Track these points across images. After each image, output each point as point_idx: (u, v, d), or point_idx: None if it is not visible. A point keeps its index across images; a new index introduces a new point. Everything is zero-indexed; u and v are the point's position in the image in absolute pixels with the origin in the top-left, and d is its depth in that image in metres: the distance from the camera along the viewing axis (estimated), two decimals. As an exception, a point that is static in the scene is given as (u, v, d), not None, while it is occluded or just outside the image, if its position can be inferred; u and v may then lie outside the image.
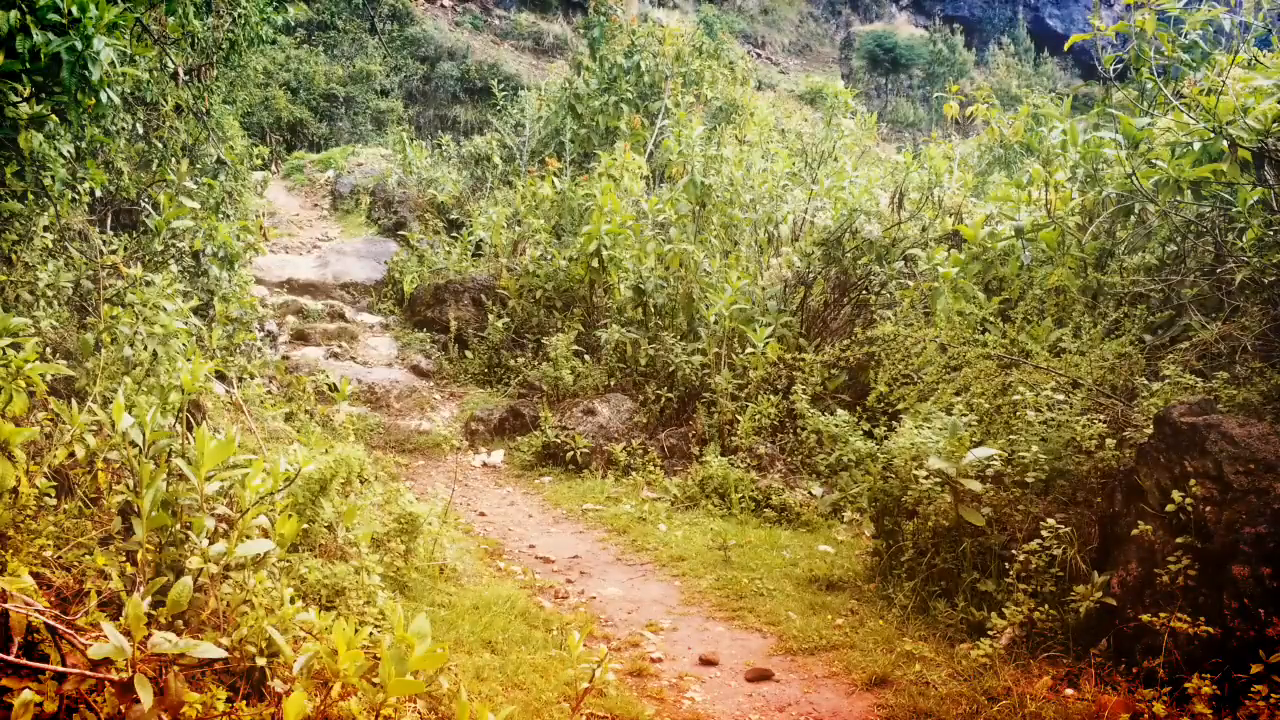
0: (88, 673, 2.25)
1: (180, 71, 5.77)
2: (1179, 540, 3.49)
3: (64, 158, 4.31)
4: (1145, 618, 3.43)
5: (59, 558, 2.94)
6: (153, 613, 2.47)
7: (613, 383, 8.45)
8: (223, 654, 2.33)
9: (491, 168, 14.68)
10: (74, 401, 3.42)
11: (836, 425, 6.82)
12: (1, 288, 4.22)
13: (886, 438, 5.81)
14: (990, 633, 3.92)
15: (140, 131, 5.91)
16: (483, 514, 6.65)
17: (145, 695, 2.16)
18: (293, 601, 2.86)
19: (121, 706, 2.20)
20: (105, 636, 2.19)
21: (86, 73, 3.64)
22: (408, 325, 11.01)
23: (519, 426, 8.38)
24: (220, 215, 6.80)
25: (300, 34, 22.20)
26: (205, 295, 6.48)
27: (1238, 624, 3.23)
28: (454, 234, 13.18)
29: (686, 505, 6.72)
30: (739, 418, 7.38)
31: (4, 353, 3.28)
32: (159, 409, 3.23)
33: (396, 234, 13.61)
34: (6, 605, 2.29)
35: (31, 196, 4.30)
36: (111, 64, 3.71)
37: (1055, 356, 5.33)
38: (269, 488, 3.12)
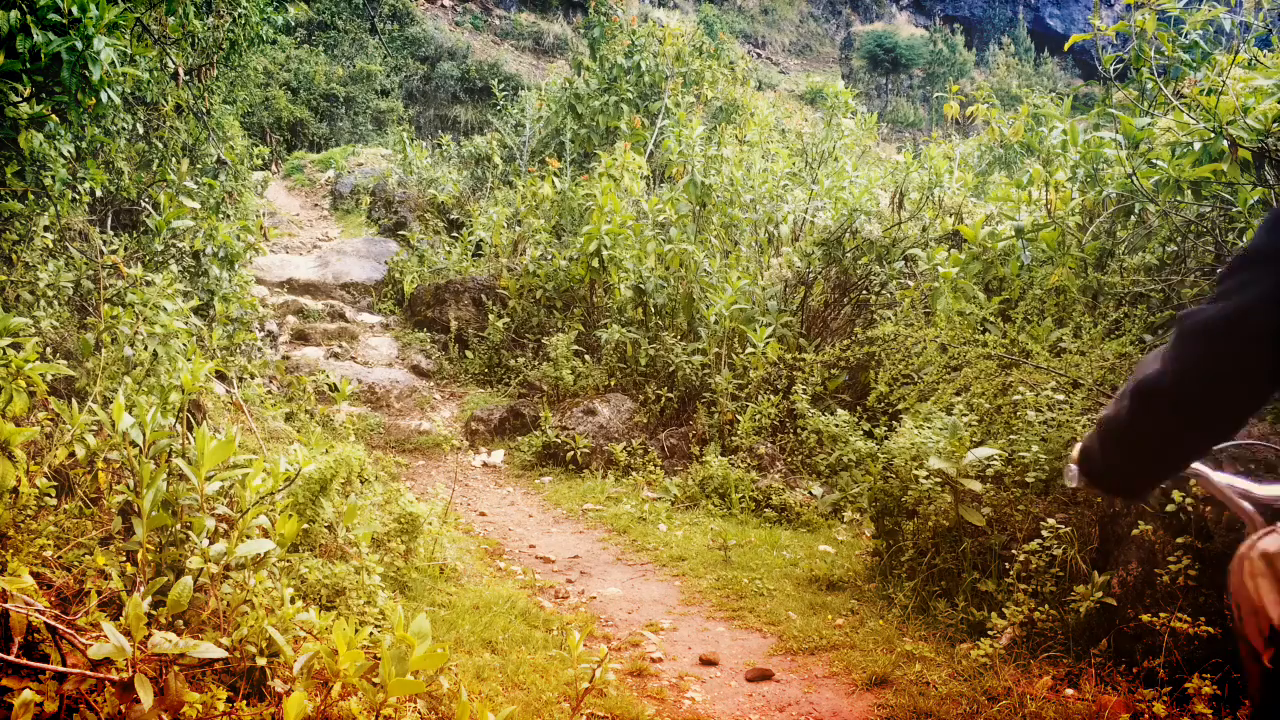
0: (88, 673, 2.25)
1: (180, 71, 5.77)
2: (1179, 540, 3.49)
3: (64, 158, 4.31)
4: (1145, 618, 3.43)
5: (59, 558, 2.94)
6: (153, 613, 2.47)
7: (613, 383, 8.45)
8: (223, 654, 2.32)
9: (491, 168, 14.69)
10: (74, 401, 3.42)
11: (837, 425, 6.82)
12: (2, 288, 4.22)
13: (886, 438, 5.81)
14: (990, 633, 3.92)
15: (140, 131, 5.91)
16: (483, 514, 6.65)
17: (145, 695, 2.16)
18: (293, 601, 2.86)
19: (122, 706, 2.20)
20: (105, 636, 2.19)
21: (87, 73, 3.64)
22: (408, 325, 11.02)
23: (519, 426, 8.38)
24: (220, 215, 6.80)
25: (300, 34, 22.21)
26: (205, 295, 6.48)
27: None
28: (454, 234, 13.19)
29: (687, 505, 6.72)
30: (739, 418, 7.38)
31: (4, 353, 3.28)
32: (159, 409, 3.23)
33: (396, 234, 13.62)
34: (7, 605, 2.29)
35: (32, 196, 4.30)
36: (112, 64, 3.71)
37: (1055, 356, 5.33)
38: (269, 488, 3.12)
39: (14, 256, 4.37)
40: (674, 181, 10.02)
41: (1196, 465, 1.63)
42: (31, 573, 2.63)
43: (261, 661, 2.63)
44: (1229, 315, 1.27)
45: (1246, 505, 1.51)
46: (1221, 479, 1.61)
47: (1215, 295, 1.31)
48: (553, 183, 11.17)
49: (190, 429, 3.84)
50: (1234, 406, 1.31)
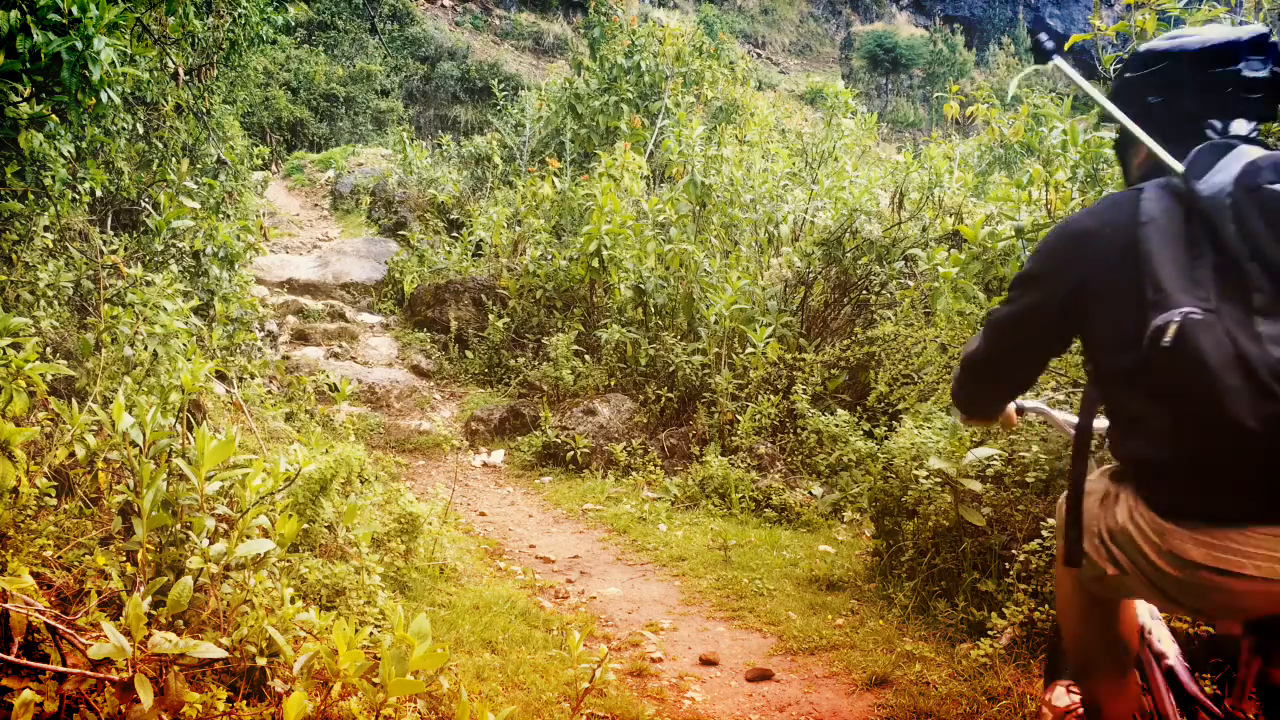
0: (88, 673, 2.25)
1: (180, 71, 5.77)
2: (1179, 540, 3.47)
3: (64, 158, 4.30)
4: (1145, 618, 3.43)
5: (59, 558, 2.94)
6: (153, 613, 2.47)
7: (613, 383, 8.45)
8: (223, 654, 2.32)
9: (491, 168, 14.69)
10: (74, 401, 3.42)
11: (836, 425, 6.83)
12: (2, 288, 4.22)
13: (886, 438, 5.81)
14: (990, 633, 3.92)
15: (140, 131, 5.91)
16: (483, 514, 6.65)
17: (145, 695, 2.16)
18: (293, 601, 2.86)
19: (122, 706, 2.20)
20: (105, 636, 2.19)
21: (87, 73, 3.64)
22: (408, 325, 11.02)
23: (519, 426, 8.38)
24: (220, 215, 6.80)
25: (300, 34, 22.21)
26: (205, 295, 6.48)
27: (1238, 624, 3.22)
28: (454, 234, 13.19)
29: (687, 505, 6.72)
30: (739, 418, 7.38)
31: (4, 353, 3.28)
32: (159, 409, 3.23)
33: (396, 234, 13.62)
34: (7, 605, 2.29)
35: (32, 196, 4.30)
36: (112, 64, 3.71)
37: (1055, 356, 5.32)
38: (269, 488, 3.12)
39: (14, 256, 4.37)
40: (674, 181, 10.02)
41: (1042, 406, 2.56)
42: (31, 573, 2.63)
43: (261, 661, 2.63)
44: (1008, 317, 2.06)
45: (1071, 430, 2.29)
46: (1058, 414, 2.53)
47: (1004, 302, 2.08)
48: (553, 183, 11.17)
49: (190, 429, 3.84)
50: (1021, 372, 2.16)
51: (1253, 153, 1.74)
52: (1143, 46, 2.04)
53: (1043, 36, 2.18)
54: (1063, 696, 2.52)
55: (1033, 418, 2.60)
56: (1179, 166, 1.77)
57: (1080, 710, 2.36)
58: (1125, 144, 2.09)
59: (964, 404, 2.31)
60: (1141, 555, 1.83)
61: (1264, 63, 1.89)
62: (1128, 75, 2.05)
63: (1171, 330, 1.59)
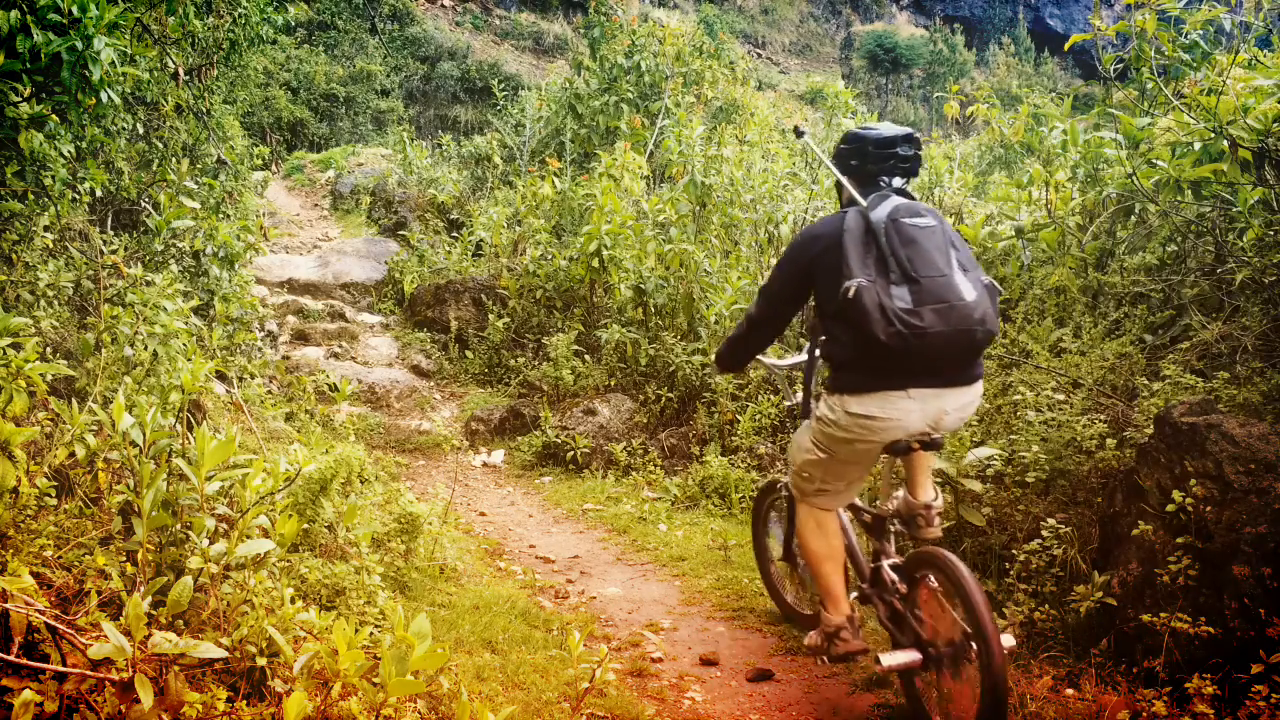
0: (88, 673, 2.25)
1: (180, 71, 5.77)
2: (1179, 540, 3.49)
3: (64, 158, 4.30)
4: (1146, 618, 3.43)
5: (59, 558, 2.94)
6: (153, 613, 2.46)
7: (613, 383, 8.45)
8: (223, 654, 2.32)
9: (492, 168, 14.69)
10: (74, 401, 3.41)
11: (837, 425, 6.81)
12: (2, 288, 4.22)
13: (887, 438, 5.78)
14: (990, 633, 3.92)
15: (140, 131, 5.91)
16: (483, 514, 6.65)
17: (146, 695, 2.16)
18: (293, 601, 2.86)
19: (122, 706, 2.20)
20: (105, 636, 2.19)
21: (87, 73, 3.64)
22: (408, 325, 11.02)
23: (519, 426, 8.38)
24: (221, 215, 6.80)
25: (300, 34, 22.22)
26: (205, 295, 6.48)
27: (1238, 624, 3.23)
28: (454, 234, 13.19)
29: (687, 505, 6.72)
30: (739, 418, 7.38)
31: (4, 353, 3.28)
32: (159, 409, 3.23)
33: (397, 234, 13.62)
34: (7, 605, 2.29)
35: (32, 196, 4.30)
36: (112, 64, 3.71)
37: (1055, 356, 5.33)
38: (269, 488, 3.12)
39: (14, 256, 4.37)
40: (674, 181, 10.01)
41: (760, 358, 3.96)
42: (31, 573, 2.63)
43: (261, 661, 2.63)
44: (777, 286, 3.41)
45: (776, 369, 4.23)
46: (767, 359, 4.14)
47: (770, 279, 3.43)
48: (553, 183, 11.16)
49: (190, 429, 3.84)
50: (777, 324, 3.51)
51: (899, 200, 3.18)
52: (851, 131, 3.41)
53: (798, 125, 3.63)
54: (817, 636, 3.77)
55: (755, 365, 3.87)
56: (864, 203, 3.20)
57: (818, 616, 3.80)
58: (839, 186, 3.40)
59: (730, 359, 3.72)
60: (835, 426, 3.24)
61: (910, 146, 3.33)
62: (841, 147, 3.42)
63: (852, 290, 2.99)
